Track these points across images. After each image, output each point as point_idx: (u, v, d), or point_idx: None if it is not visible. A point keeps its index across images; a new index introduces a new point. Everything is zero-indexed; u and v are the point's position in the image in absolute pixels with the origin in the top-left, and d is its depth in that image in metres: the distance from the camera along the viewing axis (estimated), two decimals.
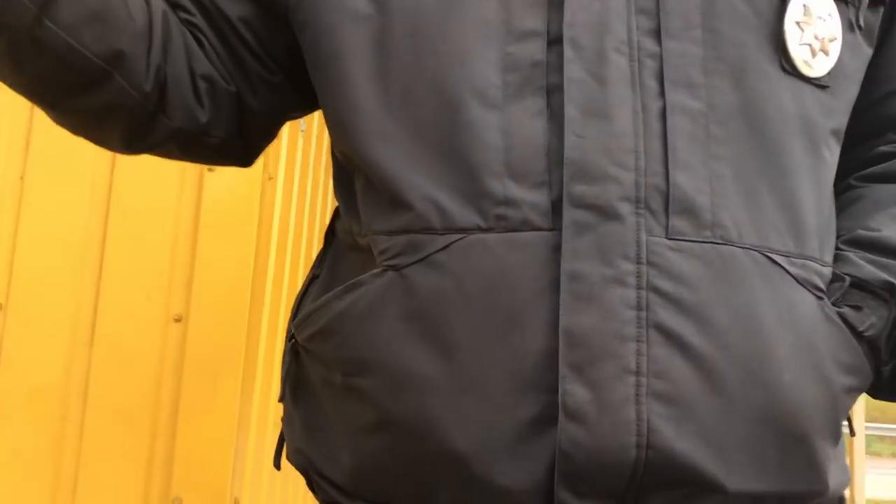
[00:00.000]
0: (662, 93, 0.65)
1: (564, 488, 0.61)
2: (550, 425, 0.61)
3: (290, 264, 1.77)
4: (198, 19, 0.79)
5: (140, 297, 1.48)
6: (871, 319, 0.69)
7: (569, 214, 0.62)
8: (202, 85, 0.79)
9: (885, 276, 0.70)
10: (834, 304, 0.69)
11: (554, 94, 0.65)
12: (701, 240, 0.63)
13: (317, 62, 0.75)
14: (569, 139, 0.63)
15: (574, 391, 0.61)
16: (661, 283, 0.62)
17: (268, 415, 1.69)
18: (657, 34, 0.66)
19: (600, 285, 0.61)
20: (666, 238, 0.63)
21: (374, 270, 0.68)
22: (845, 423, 0.73)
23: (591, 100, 0.64)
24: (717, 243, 0.64)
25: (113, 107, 0.74)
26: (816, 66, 0.70)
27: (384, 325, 0.66)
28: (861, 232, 0.74)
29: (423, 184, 0.66)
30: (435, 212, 0.65)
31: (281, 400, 0.81)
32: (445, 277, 0.64)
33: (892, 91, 0.80)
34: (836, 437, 0.70)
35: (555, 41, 0.66)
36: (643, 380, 0.61)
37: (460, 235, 0.64)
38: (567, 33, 0.65)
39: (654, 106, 0.65)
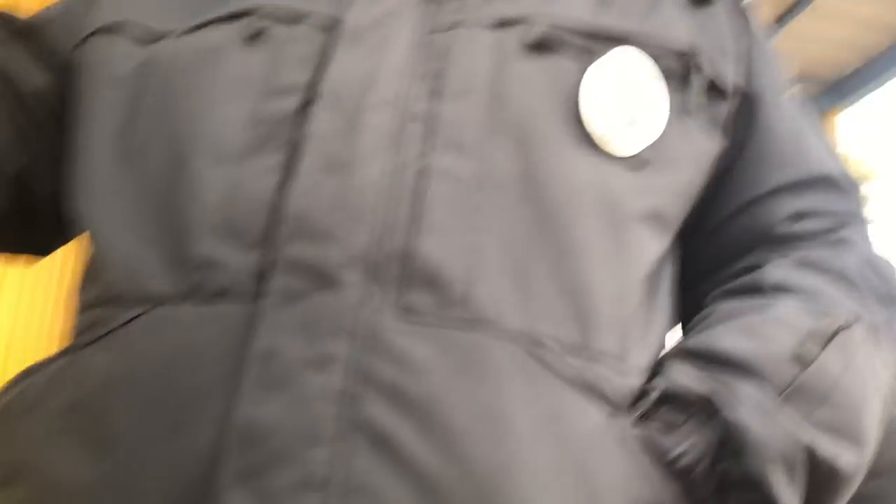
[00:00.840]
0: (426, 153, 0.55)
1: None
2: None
3: None
4: None
5: None
6: (685, 445, 0.53)
7: (277, 279, 0.51)
8: None
9: (704, 387, 0.55)
10: (637, 424, 0.54)
11: (299, 149, 0.56)
12: (444, 320, 0.51)
13: (71, 127, 0.68)
14: (294, 191, 0.53)
15: None
16: (379, 371, 0.49)
17: None
18: (435, 95, 0.58)
19: (297, 369, 0.48)
20: (398, 315, 0.51)
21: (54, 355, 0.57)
22: None
23: (333, 153, 0.54)
24: (466, 326, 0.51)
25: None
26: (624, 141, 0.60)
27: (45, 420, 0.53)
28: (693, 341, 0.60)
29: (128, 246, 0.56)
30: (129, 279, 0.55)
31: None
32: (120, 359, 0.52)
33: (757, 196, 0.68)
34: None
35: (316, 96, 0.57)
36: (333, 499, 0.46)
37: (149, 307, 0.53)
38: (326, 86, 0.57)
39: (413, 166, 0.55)
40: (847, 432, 0.55)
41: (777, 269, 0.64)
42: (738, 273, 0.67)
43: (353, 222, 0.52)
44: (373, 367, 0.49)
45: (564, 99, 0.59)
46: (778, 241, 0.68)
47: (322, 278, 0.50)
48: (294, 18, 0.61)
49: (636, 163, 0.60)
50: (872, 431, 0.57)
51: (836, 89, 4.49)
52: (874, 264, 0.66)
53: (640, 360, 0.58)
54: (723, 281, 0.68)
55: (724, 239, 0.69)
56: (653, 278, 0.61)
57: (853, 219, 0.69)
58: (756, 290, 0.64)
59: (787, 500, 0.52)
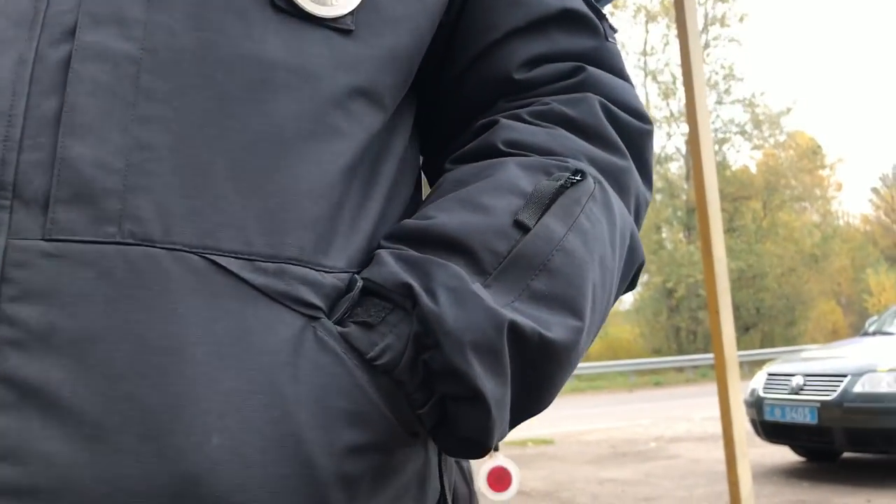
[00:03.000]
0: (74, 32, 0.47)
1: None
2: None
3: None
4: None
5: None
6: (386, 340, 0.50)
7: None
8: None
9: (403, 276, 0.50)
10: (339, 324, 0.50)
11: None
12: (100, 239, 0.45)
13: None
14: None
15: None
16: (19, 310, 0.43)
17: None
18: None
19: None
20: (43, 239, 0.44)
21: None
22: None
23: None
24: (126, 244, 0.45)
25: None
26: (331, 1, 0.52)
27: None
28: (408, 222, 0.55)
29: None
30: None
31: None
32: None
33: (492, 42, 0.62)
34: None
35: None
36: None
37: None
38: None
39: (58, 51, 0.46)
40: (563, 300, 0.53)
41: (509, 127, 0.60)
42: (477, 131, 0.62)
43: None
44: (12, 307, 0.43)
45: None
46: (516, 90, 0.63)
47: None
48: None
49: (340, 30, 0.53)
50: (591, 293, 0.55)
51: None
52: (611, 109, 0.62)
53: (347, 255, 0.53)
54: (464, 142, 0.63)
55: (464, 94, 0.64)
56: (367, 162, 0.56)
57: (596, 54, 0.64)
58: (488, 151, 0.60)
59: (490, 388, 0.50)
